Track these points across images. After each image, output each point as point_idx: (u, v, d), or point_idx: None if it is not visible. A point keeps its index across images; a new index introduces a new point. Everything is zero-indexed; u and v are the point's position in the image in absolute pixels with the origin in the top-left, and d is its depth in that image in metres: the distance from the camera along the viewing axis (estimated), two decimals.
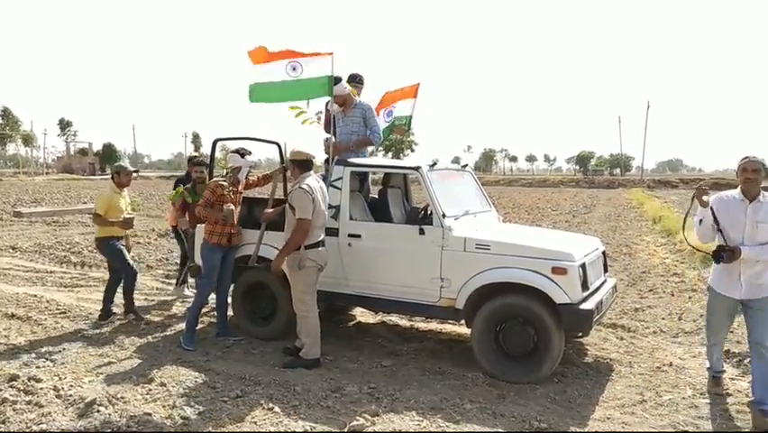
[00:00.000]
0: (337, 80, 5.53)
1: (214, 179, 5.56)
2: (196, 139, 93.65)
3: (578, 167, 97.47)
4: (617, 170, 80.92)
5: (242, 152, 5.52)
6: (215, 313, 5.81)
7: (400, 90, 6.65)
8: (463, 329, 5.51)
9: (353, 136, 5.75)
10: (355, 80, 6.15)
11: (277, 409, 3.92)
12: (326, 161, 5.90)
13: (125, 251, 6.09)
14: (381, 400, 4.11)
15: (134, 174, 6.30)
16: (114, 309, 6.17)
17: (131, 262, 6.14)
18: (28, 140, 74.90)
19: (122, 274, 6.09)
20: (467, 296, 4.72)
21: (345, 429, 3.63)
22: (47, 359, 4.88)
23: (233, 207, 5.34)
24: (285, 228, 4.85)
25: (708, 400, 4.29)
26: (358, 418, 3.72)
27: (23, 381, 4.31)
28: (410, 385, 4.45)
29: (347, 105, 5.78)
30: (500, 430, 3.67)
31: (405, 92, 6.64)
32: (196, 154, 7.37)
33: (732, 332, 5.94)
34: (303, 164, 4.83)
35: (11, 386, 4.22)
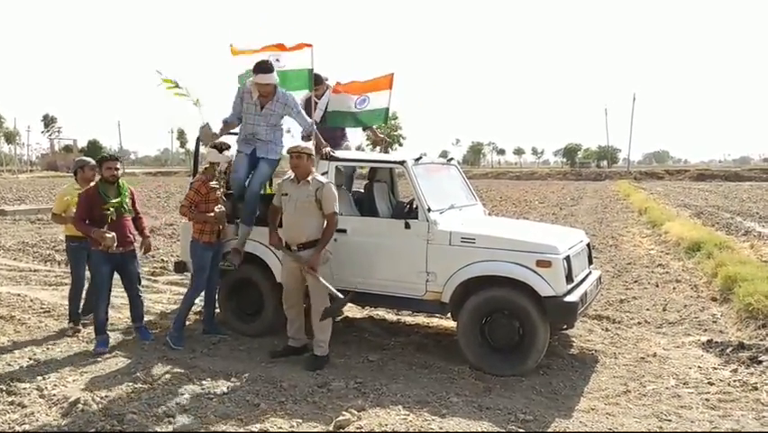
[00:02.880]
0: (268, 68, 5.06)
1: (197, 176, 5.51)
2: (181, 135, 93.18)
3: (565, 159, 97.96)
4: (604, 162, 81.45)
5: (220, 147, 5.44)
6: (202, 310, 5.78)
7: (373, 81, 6.27)
8: (450, 323, 5.53)
9: (273, 130, 5.34)
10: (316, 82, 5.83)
11: (263, 405, 3.92)
12: (196, 149, 5.89)
13: (84, 258, 5.52)
14: (368, 395, 4.11)
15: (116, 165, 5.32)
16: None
17: (83, 273, 5.70)
18: (11, 137, 74.07)
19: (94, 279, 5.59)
20: (453, 289, 4.73)
21: (331, 425, 3.63)
22: (30, 358, 4.83)
23: (224, 208, 5.29)
24: (292, 221, 4.77)
25: (690, 390, 4.34)
26: (344, 413, 3.72)
27: (6, 381, 4.27)
28: (397, 379, 4.46)
29: (268, 96, 5.27)
30: (486, 423, 3.69)
31: (378, 83, 6.24)
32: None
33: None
34: (312, 158, 4.86)
35: None
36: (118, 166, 5.23)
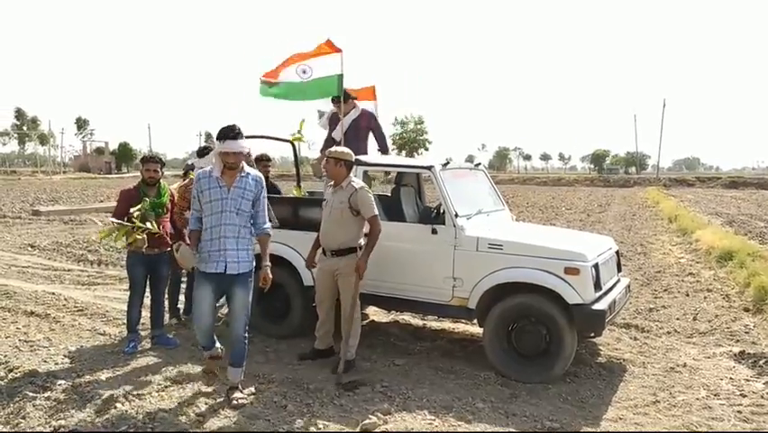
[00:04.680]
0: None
1: (185, 182, 5.56)
2: (209, 138, 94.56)
3: (593, 165, 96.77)
4: (633, 169, 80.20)
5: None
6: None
7: (315, 49, 5.66)
8: (476, 329, 5.52)
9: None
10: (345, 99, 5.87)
11: (290, 407, 3.96)
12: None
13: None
14: (394, 399, 4.13)
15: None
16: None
17: (177, 273, 5.98)
18: (45, 139, 75.93)
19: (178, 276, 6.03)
20: (479, 295, 4.73)
21: (358, 428, 3.66)
22: (65, 356, 4.96)
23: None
24: (326, 228, 4.75)
25: (722, 402, 4.27)
26: (370, 416, 3.75)
27: (43, 377, 4.39)
28: (422, 384, 4.47)
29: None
30: (512, 430, 3.68)
31: (321, 48, 5.68)
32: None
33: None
34: (351, 165, 4.78)
35: (30, 382, 4.30)
36: (157, 168, 5.28)
